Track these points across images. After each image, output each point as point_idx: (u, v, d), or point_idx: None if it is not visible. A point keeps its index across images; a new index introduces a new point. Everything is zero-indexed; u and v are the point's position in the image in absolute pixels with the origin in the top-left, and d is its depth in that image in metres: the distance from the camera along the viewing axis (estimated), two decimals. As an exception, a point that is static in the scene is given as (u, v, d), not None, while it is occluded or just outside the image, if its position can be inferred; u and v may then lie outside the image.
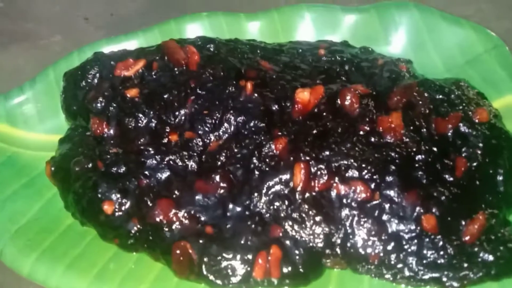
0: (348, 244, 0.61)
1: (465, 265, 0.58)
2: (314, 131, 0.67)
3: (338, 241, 0.61)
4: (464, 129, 0.68)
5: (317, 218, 0.62)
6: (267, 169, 0.65)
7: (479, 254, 0.59)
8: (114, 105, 0.71)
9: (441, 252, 0.59)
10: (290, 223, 0.62)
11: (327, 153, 0.64)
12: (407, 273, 0.59)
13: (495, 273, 0.58)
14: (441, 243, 0.59)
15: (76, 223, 0.67)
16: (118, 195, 0.64)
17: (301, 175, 0.63)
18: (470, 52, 0.83)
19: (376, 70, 0.78)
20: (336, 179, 0.63)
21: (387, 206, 0.61)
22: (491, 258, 0.59)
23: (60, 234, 0.66)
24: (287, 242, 0.61)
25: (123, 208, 0.63)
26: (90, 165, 0.67)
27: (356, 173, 0.63)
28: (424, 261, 0.59)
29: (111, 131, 0.70)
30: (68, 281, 0.60)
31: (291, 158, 0.65)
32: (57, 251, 0.63)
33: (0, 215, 0.67)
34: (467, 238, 0.60)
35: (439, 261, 0.59)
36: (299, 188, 0.63)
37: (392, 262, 0.60)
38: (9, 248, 0.63)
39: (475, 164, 0.65)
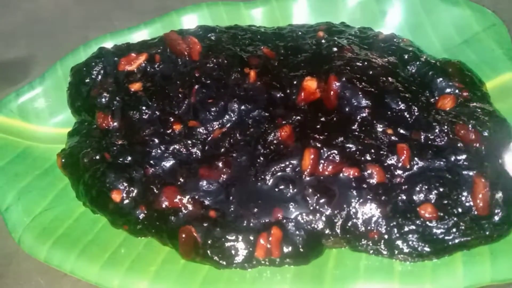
0: (349, 223, 0.63)
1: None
2: (322, 118, 0.69)
3: (340, 222, 0.63)
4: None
5: (321, 201, 0.64)
6: (272, 154, 0.67)
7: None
8: (118, 99, 0.74)
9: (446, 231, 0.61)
10: (293, 205, 0.64)
11: (340, 139, 0.67)
12: (406, 249, 0.61)
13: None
14: (445, 225, 0.61)
15: (87, 211, 0.71)
16: (125, 184, 0.67)
17: (310, 159, 0.65)
18: (468, 31, 0.84)
19: (380, 44, 0.80)
20: (347, 163, 0.65)
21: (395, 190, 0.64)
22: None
23: (73, 222, 0.70)
24: (289, 224, 0.63)
25: (130, 196, 0.67)
26: (98, 156, 0.70)
27: (369, 157, 0.65)
28: (424, 238, 0.61)
29: (116, 124, 0.73)
30: (82, 265, 0.64)
31: (300, 144, 0.67)
32: (71, 238, 0.67)
33: (16, 206, 0.71)
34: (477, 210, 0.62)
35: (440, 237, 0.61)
36: (306, 172, 0.65)
37: (392, 238, 0.62)
38: (27, 236, 0.68)
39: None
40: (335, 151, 0.66)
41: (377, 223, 0.62)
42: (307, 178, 0.65)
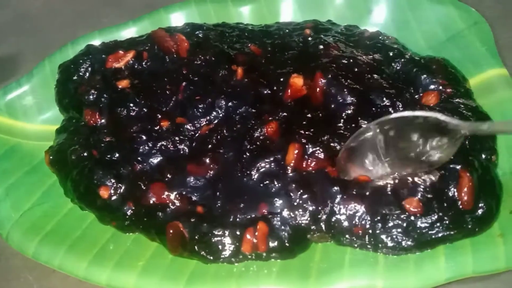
0: (334, 219, 0.64)
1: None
2: (308, 115, 0.70)
3: (324, 217, 0.64)
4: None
5: (305, 196, 0.64)
6: (257, 150, 0.68)
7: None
8: (106, 96, 0.75)
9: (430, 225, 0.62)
10: (278, 200, 0.65)
11: (325, 137, 0.67)
12: (390, 243, 0.62)
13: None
14: (429, 219, 0.62)
15: (76, 208, 0.71)
16: (113, 181, 0.68)
17: (294, 154, 0.66)
18: (452, 29, 0.84)
19: (365, 41, 0.81)
20: (331, 160, 0.66)
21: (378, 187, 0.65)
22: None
23: (61, 218, 0.70)
24: (274, 219, 0.64)
25: (118, 193, 0.67)
26: (86, 153, 0.71)
27: None
28: (407, 233, 0.62)
29: (104, 121, 0.74)
30: (70, 260, 0.64)
31: (285, 139, 0.68)
32: (59, 234, 0.68)
33: (5, 202, 0.71)
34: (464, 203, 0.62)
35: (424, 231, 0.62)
36: (290, 167, 0.66)
37: (377, 232, 0.63)
38: (15, 232, 0.68)
39: None
40: (320, 149, 0.66)
41: (361, 218, 0.63)
42: (291, 174, 0.66)
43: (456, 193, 0.63)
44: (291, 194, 0.65)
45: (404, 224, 0.62)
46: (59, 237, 0.67)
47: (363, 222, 0.63)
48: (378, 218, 0.63)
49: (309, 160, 0.66)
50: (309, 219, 0.64)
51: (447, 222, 0.62)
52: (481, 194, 0.63)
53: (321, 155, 0.66)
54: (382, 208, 0.63)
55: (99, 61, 0.80)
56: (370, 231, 0.63)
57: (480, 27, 0.82)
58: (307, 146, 0.67)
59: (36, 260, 0.66)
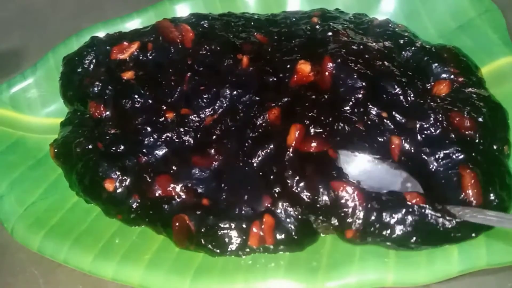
0: (334, 209, 0.60)
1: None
2: (313, 96, 0.68)
3: (322, 205, 0.61)
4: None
5: (301, 184, 0.62)
6: (260, 138, 0.67)
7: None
8: (111, 88, 0.74)
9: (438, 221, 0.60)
10: (281, 190, 0.63)
11: (329, 119, 0.66)
12: (397, 240, 0.60)
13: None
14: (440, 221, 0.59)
15: (81, 201, 0.70)
16: (118, 173, 0.67)
17: (296, 135, 0.64)
18: (463, 17, 0.82)
19: (375, 29, 0.80)
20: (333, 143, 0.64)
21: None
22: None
23: (66, 212, 0.69)
24: (279, 211, 0.63)
25: (123, 185, 0.66)
26: (91, 146, 0.70)
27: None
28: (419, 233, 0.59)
29: (108, 113, 0.73)
30: (75, 254, 0.64)
31: (287, 123, 0.66)
32: (64, 228, 0.67)
33: (9, 196, 0.70)
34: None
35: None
36: (291, 147, 0.64)
37: (376, 232, 0.60)
38: (20, 226, 0.67)
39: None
40: (322, 130, 0.65)
41: (355, 213, 0.60)
42: (291, 158, 0.63)
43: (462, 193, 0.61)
44: (290, 181, 0.62)
45: (409, 220, 0.59)
46: (64, 231, 0.66)
47: (356, 224, 0.60)
48: (375, 213, 0.60)
49: (311, 142, 0.64)
50: (308, 209, 0.62)
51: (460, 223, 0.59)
52: (491, 187, 0.61)
53: (323, 137, 0.64)
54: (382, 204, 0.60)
55: (103, 53, 0.79)
56: (371, 228, 0.60)
57: (492, 15, 0.80)
58: (310, 127, 0.65)
59: (42, 254, 0.65)
